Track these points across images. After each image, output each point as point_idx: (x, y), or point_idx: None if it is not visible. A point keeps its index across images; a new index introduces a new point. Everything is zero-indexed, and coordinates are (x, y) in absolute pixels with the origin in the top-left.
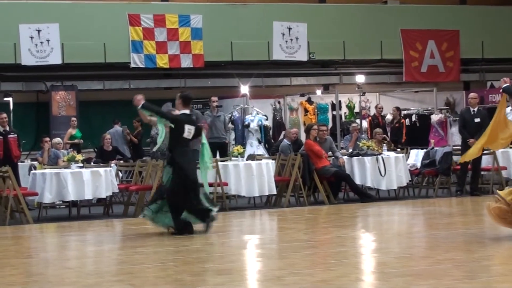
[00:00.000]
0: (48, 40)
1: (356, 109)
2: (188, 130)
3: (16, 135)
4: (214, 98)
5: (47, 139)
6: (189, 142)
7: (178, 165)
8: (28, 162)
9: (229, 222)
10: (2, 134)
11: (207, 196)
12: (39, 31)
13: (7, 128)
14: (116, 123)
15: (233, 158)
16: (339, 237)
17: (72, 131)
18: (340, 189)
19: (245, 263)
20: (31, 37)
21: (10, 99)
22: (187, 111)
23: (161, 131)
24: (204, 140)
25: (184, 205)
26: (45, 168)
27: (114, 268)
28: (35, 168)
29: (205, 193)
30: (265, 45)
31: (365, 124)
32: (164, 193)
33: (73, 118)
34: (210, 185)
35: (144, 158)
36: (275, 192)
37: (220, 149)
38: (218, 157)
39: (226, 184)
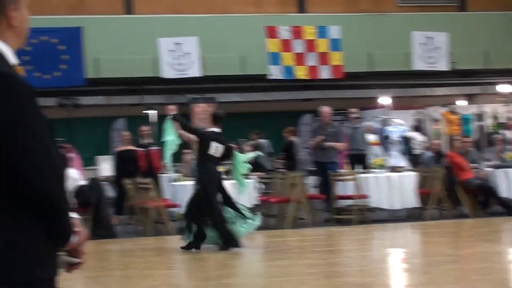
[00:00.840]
0: (187, 53)
1: (502, 119)
2: (215, 148)
3: (157, 147)
4: (354, 110)
5: (188, 151)
6: (215, 159)
7: (199, 180)
8: (170, 174)
9: (370, 235)
10: (144, 147)
11: (243, 211)
12: (178, 44)
13: (149, 140)
14: (258, 134)
15: (374, 170)
16: (483, 252)
17: None
18: (488, 202)
19: (386, 278)
20: (171, 51)
21: (154, 112)
22: (216, 129)
23: (170, 144)
24: (237, 158)
25: (198, 221)
26: (186, 180)
27: (251, 281)
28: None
29: (240, 209)
30: (404, 55)
31: (510, 135)
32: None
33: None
34: (349, 197)
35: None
36: (417, 205)
37: (360, 161)
38: (357, 169)
39: (367, 197)
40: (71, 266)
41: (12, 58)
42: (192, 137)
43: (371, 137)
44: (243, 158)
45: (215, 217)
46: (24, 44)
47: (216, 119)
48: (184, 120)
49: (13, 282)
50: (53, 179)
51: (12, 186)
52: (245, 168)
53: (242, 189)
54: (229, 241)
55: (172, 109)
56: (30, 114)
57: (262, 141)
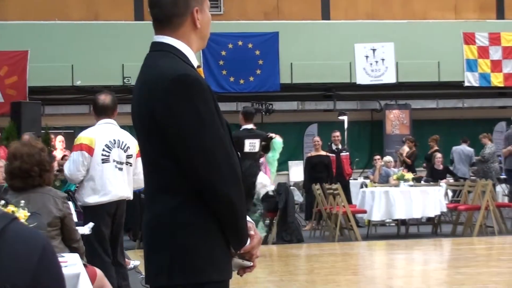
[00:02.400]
0: (382, 59)
1: None
2: (250, 144)
3: (348, 153)
4: None
5: (379, 157)
6: (252, 155)
7: None
8: (360, 180)
9: None
10: (335, 152)
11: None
12: (374, 50)
13: (340, 146)
14: (465, 141)
15: None
16: None
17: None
18: None
19: None
20: (366, 56)
21: (345, 118)
22: (248, 126)
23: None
24: (276, 141)
25: None
26: (375, 186)
27: None
28: (366, 186)
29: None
30: None
31: None
32: None
33: None
34: None
35: (473, 177)
36: None
37: None
38: None
39: None
40: (243, 269)
41: (194, 60)
42: None
43: None
44: (280, 145)
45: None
46: (204, 46)
47: (246, 116)
48: None
49: (189, 284)
50: (231, 180)
51: (192, 188)
52: (277, 154)
53: (272, 175)
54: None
55: None
56: (209, 115)
57: (467, 148)
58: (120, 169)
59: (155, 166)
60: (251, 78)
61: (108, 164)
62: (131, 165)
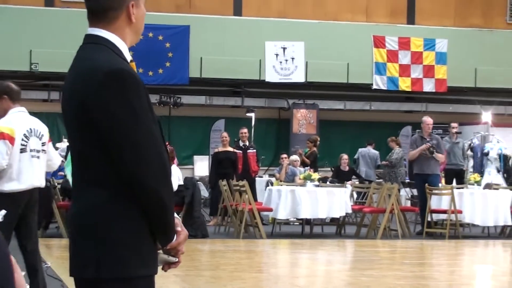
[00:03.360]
0: (292, 58)
1: None
2: None
3: (255, 151)
4: (454, 124)
5: (285, 155)
6: None
7: None
8: (266, 178)
9: (461, 250)
10: (242, 149)
11: None
12: (284, 48)
13: (247, 143)
14: (370, 144)
15: (469, 186)
16: None
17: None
18: None
19: None
20: (276, 54)
21: (253, 115)
22: None
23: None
24: None
25: None
26: (281, 185)
27: None
28: (272, 184)
29: None
30: (510, 73)
31: None
32: None
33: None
34: (443, 211)
35: (379, 180)
36: (510, 223)
37: (457, 176)
38: (454, 183)
39: (461, 212)
40: (168, 265)
41: (127, 54)
42: None
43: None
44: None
45: None
46: (138, 41)
47: None
48: None
49: (116, 279)
50: (162, 176)
51: (121, 182)
52: None
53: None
54: None
55: None
56: (142, 110)
57: (372, 151)
58: (38, 157)
59: (84, 158)
60: (160, 71)
61: (25, 153)
62: (45, 152)
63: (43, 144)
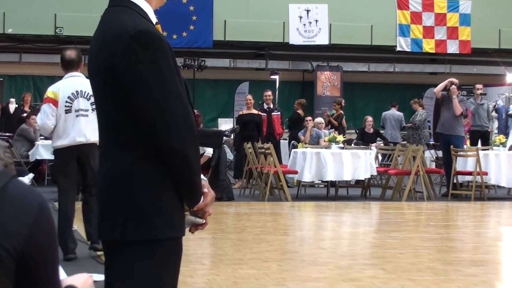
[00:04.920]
0: (316, 21)
1: None
2: None
3: (279, 113)
4: (479, 86)
5: (310, 118)
6: None
7: None
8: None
9: (487, 212)
10: (266, 111)
11: None
12: (308, 11)
13: (271, 106)
14: (394, 106)
15: (494, 148)
16: None
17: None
18: None
19: (500, 255)
20: (300, 17)
21: (277, 77)
22: None
23: None
24: None
25: None
26: (306, 147)
27: (367, 251)
28: (296, 147)
29: None
30: None
31: None
32: None
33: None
34: (469, 173)
35: (403, 142)
36: None
37: (482, 137)
38: (479, 145)
39: (486, 173)
40: (195, 227)
41: (153, 17)
42: None
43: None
44: None
45: None
46: (163, 3)
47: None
48: None
49: (144, 240)
50: (189, 138)
51: (148, 144)
52: None
53: None
54: None
55: None
56: (169, 72)
57: (396, 112)
58: (86, 115)
59: (111, 122)
60: (184, 34)
61: (70, 114)
62: (94, 111)
63: (92, 103)
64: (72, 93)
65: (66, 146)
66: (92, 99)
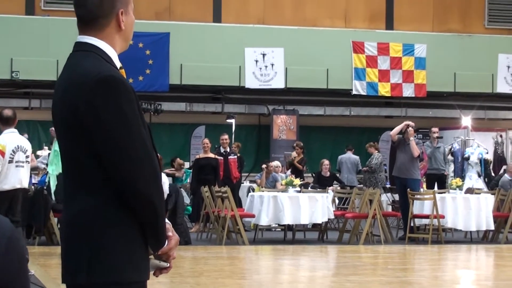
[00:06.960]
0: (272, 64)
1: None
2: None
3: (236, 157)
4: (435, 129)
5: (265, 165)
6: None
7: None
8: (247, 184)
9: (444, 255)
10: (223, 155)
11: None
12: (264, 55)
13: (228, 149)
14: (350, 149)
15: (451, 191)
16: None
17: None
18: None
19: None
20: (256, 61)
21: (233, 121)
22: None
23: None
24: None
25: None
26: (263, 191)
27: None
28: (253, 190)
29: None
30: (489, 77)
31: None
32: None
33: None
34: (426, 216)
35: (360, 185)
36: (492, 228)
37: (439, 180)
38: (436, 188)
39: (443, 217)
40: (159, 270)
41: (117, 61)
42: None
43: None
44: None
45: None
46: (127, 48)
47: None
48: None
49: (109, 283)
50: (153, 182)
51: (112, 187)
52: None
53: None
54: None
55: None
56: (133, 117)
57: (353, 156)
58: (22, 166)
59: (76, 164)
60: (141, 78)
61: (12, 163)
62: (28, 163)
63: (27, 156)
64: (15, 147)
65: (6, 190)
66: (27, 153)
